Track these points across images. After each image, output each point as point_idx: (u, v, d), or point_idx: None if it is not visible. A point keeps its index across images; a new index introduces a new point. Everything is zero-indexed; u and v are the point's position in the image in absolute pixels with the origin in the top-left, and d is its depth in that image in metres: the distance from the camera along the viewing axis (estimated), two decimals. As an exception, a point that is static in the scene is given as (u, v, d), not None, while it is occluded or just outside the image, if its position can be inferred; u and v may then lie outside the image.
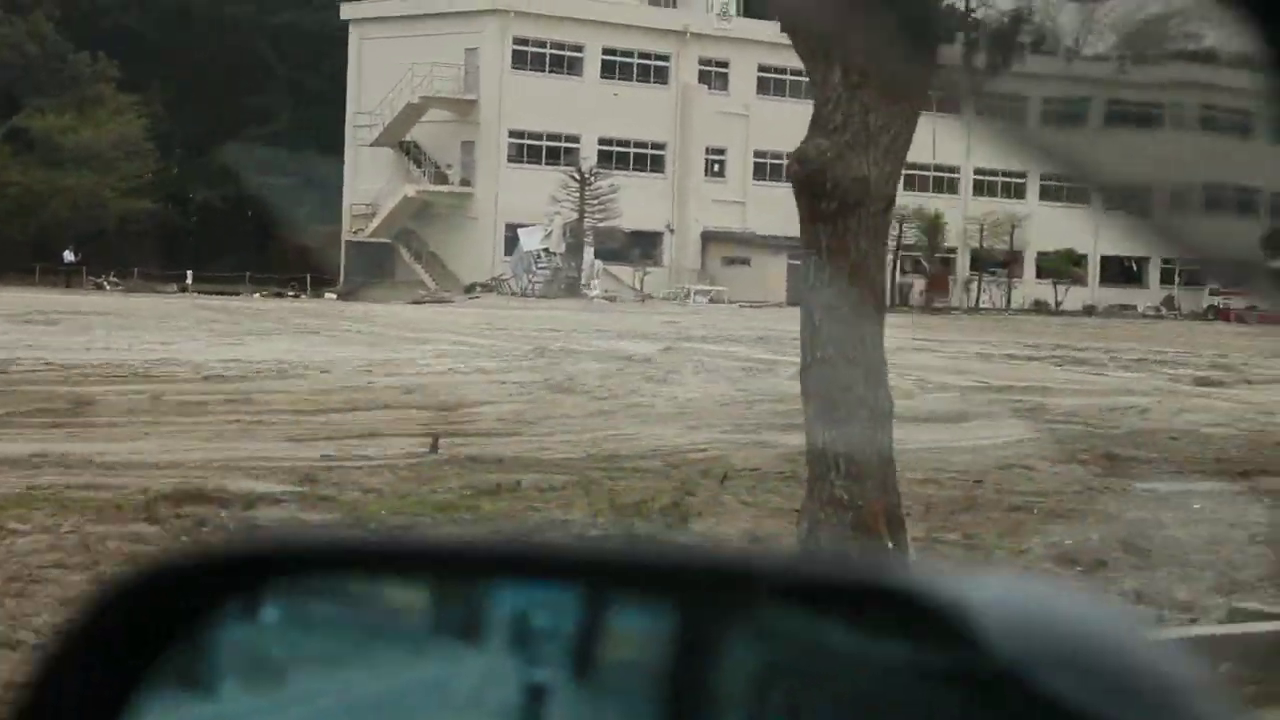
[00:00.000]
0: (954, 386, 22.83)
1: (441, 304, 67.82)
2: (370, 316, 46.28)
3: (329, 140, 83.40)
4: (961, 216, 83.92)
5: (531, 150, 78.39)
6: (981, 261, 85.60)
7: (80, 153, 77.37)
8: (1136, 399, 21.83)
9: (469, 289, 75.59)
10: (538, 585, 1.40)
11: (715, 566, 1.32)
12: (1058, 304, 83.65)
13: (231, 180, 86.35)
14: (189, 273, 75.24)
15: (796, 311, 9.36)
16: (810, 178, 8.55)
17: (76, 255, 74.31)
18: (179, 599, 1.50)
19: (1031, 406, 19.72)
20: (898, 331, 46.58)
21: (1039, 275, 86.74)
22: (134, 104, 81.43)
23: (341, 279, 79.49)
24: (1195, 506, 11.59)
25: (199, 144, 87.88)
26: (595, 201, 75.35)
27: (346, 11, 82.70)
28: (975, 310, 79.88)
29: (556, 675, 1.35)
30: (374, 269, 79.67)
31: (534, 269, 74.57)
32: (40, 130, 77.38)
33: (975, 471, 14.18)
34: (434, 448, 16.54)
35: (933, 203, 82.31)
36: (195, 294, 69.86)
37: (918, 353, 32.57)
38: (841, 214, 8.44)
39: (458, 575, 1.46)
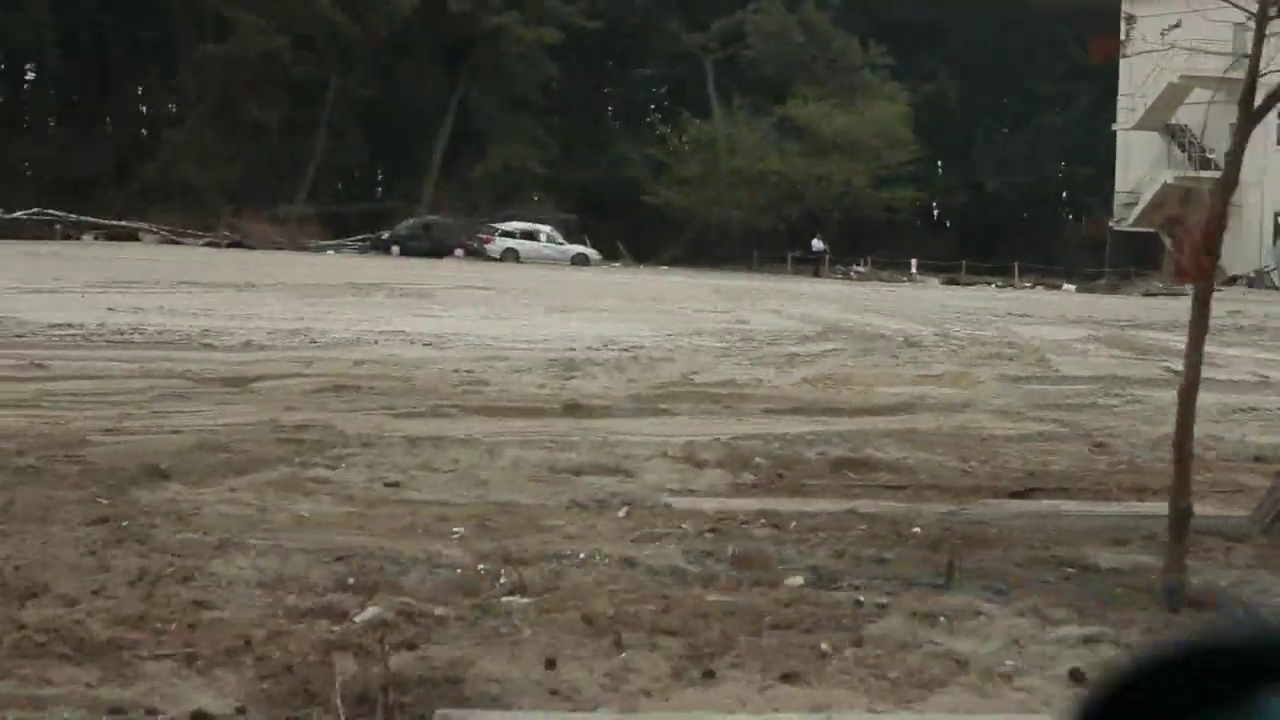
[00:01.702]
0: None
1: (1171, 296, 62.94)
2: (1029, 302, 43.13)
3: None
4: None
5: (1308, 130, 71.05)
6: None
7: (838, 139, 77.81)
8: None
9: (1230, 280, 69.78)
10: None
11: None
12: None
13: (1018, 168, 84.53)
14: (914, 261, 73.70)
15: None
16: None
17: (824, 244, 74.63)
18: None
19: None
20: None
21: None
22: (901, 90, 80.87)
23: (1106, 270, 75.60)
24: None
25: (983, 131, 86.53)
26: (1373, 187, 67.46)
27: (1121, -14, 78.25)
28: None
29: None
30: (1136, 259, 75.27)
31: (1289, 262, 67.83)
32: (801, 118, 78.39)
33: None
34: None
35: None
36: (921, 281, 69.00)
37: None
38: None
39: None
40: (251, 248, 64.84)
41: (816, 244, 74.10)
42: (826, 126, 77.82)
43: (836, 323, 29.85)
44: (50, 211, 66.64)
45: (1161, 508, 7.89)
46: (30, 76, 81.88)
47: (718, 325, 28.13)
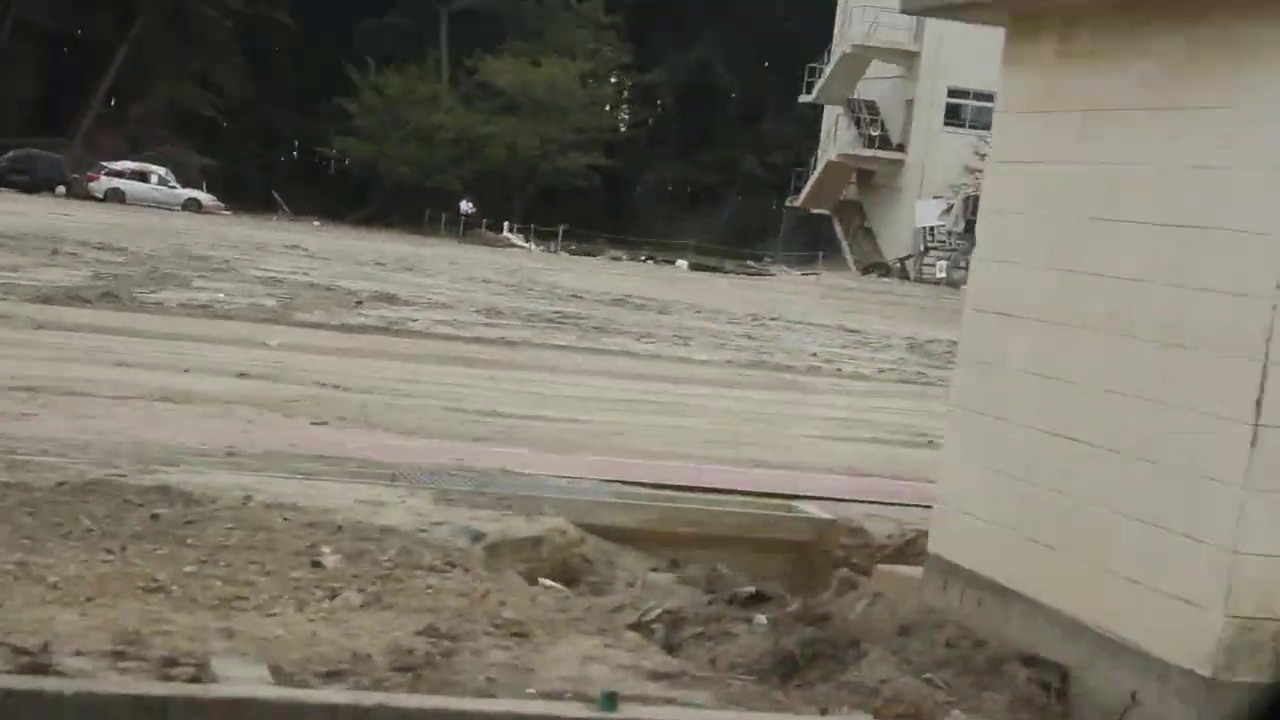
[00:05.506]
0: None
1: (760, 277, 58.40)
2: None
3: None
4: None
5: (977, 112, 65.84)
6: None
7: (518, 98, 74.16)
8: None
9: (867, 269, 65.21)
10: None
11: None
12: None
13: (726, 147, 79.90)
14: (561, 229, 68.54)
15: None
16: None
17: (472, 207, 70.95)
18: None
19: None
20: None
21: None
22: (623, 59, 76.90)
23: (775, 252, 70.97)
24: None
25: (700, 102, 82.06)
26: (1009, 173, 62.37)
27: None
28: None
29: None
30: (810, 241, 70.62)
31: (923, 248, 63.03)
32: (487, 74, 74.78)
33: None
34: None
35: None
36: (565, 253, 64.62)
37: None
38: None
39: None
40: None
41: (464, 206, 70.51)
42: (509, 83, 73.95)
43: None
44: None
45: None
46: None
47: None
